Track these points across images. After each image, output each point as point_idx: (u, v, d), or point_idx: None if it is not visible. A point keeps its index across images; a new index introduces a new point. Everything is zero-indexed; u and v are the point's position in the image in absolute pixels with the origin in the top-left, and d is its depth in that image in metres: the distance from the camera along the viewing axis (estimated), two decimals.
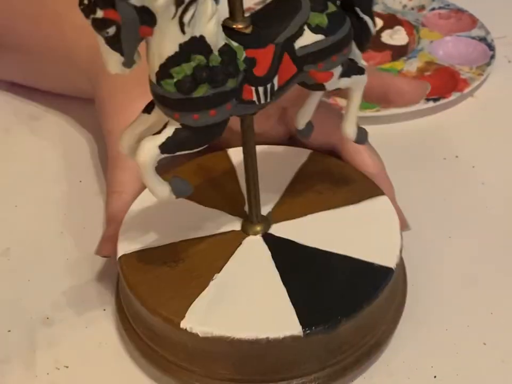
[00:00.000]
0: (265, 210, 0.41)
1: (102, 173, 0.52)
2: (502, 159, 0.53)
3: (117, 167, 0.45)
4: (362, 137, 0.39)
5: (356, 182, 0.43)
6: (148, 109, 0.34)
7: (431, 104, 0.56)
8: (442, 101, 0.57)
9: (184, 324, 0.35)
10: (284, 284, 0.37)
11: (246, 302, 0.36)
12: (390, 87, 0.44)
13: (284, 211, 0.41)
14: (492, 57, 0.61)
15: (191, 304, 0.36)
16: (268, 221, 0.40)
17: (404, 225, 0.43)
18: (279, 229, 0.40)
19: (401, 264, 0.40)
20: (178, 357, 0.37)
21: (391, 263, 0.38)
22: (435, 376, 0.38)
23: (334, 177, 0.43)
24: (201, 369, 0.36)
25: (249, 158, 0.38)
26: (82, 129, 0.57)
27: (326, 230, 0.40)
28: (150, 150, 0.32)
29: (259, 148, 0.44)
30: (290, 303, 0.36)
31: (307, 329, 0.35)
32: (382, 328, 0.38)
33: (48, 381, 0.38)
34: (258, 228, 0.40)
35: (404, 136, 0.54)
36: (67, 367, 0.39)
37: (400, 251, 0.39)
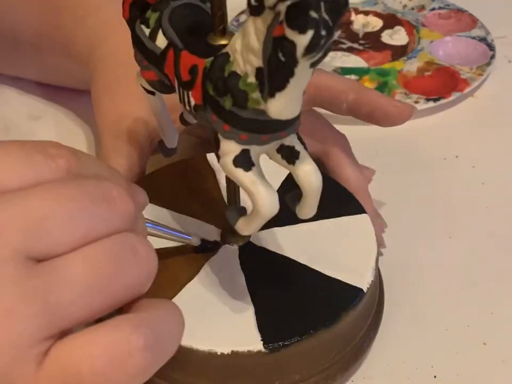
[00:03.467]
0: None
1: None
2: (502, 159, 0.53)
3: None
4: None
5: (341, 197, 0.42)
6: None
7: (431, 104, 0.56)
8: (442, 101, 0.57)
9: None
10: (251, 296, 0.37)
11: (210, 314, 0.36)
12: (376, 107, 0.43)
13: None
14: (492, 57, 0.61)
15: None
16: None
17: (380, 244, 0.43)
18: (257, 239, 0.40)
19: (374, 286, 0.39)
20: None
21: (362, 284, 0.37)
22: (435, 376, 0.38)
23: None
24: (162, 375, 0.36)
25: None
26: (82, 129, 0.57)
27: (303, 242, 0.39)
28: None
29: None
30: (253, 318, 0.35)
31: (267, 344, 0.34)
32: (347, 349, 0.37)
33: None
34: (237, 238, 0.39)
35: (404, 136, 0.54)
36: None
37: (373, 273, 0.38)
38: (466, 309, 0.41)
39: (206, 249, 0.39)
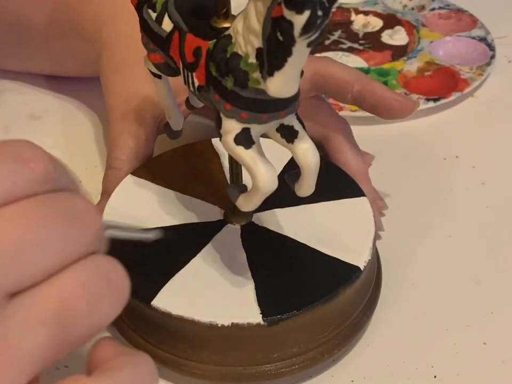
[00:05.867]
0: None
1: (102, 173, 0.51)
2: (502, 159, 0.53)
3: (117, 145, 0.46)
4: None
5: (341, 181, 0.43)
6: None
7: (431, 104, 0.56)
8: (442, 101, 0.57)
9: (155, 302, 0.36)
10: (251, 272, 0.38)
11: (212, 288, 0.37)
12: (380, 100, 0.44)
13: (267, 202, 0.40)
14: (492, 57, 0.61)
15: (163, 285, 0.37)
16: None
17: (378, 227, 0.43)
18: (259, 219, 0.41)
19: (371, 266, 0.40)
20: (148, 334, 0.38)
21: (359, 262, 0.38)
22: (435, 376, 0.38)
23: (320, 173, 0.43)
24: (166, 346, 0.38)
25: None
26: (82, 129, 0.57)
27: (303, 223, 0.41)
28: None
29: None
30: (253, 292, 0.37)
31: (266, 317, 0.35)
32: (344, 325, 0.38)
33: (48, 381, 0.38)
34: (239, 218, 0.41)
35: (404, 136, 0.54)
36: (67, 367, 0.39)
37: (370, 253, 0.39)
38: (466, 308, 0.42)
39: None
